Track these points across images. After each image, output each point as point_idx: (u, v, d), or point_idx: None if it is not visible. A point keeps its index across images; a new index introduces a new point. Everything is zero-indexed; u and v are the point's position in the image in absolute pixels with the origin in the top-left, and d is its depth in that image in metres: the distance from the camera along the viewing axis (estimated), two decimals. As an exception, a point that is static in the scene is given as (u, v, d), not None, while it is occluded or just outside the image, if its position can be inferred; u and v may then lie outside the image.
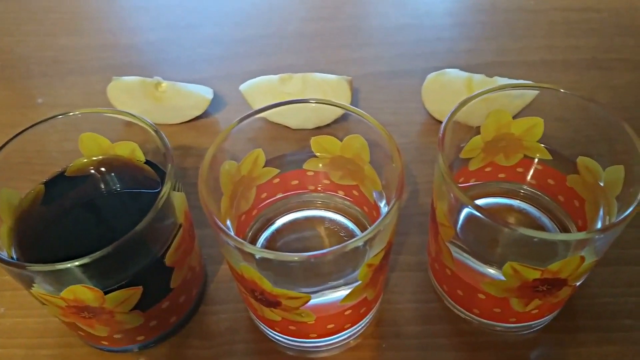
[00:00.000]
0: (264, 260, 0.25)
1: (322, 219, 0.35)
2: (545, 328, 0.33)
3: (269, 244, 0.34)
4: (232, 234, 0.25)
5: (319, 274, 0.26)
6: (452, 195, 0.27)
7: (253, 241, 0.34)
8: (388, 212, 0.25)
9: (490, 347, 0.32)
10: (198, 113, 0.43)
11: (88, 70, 0.49)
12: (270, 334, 0.32)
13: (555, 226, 0.34)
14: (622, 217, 0.25)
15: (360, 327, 0.32)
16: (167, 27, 0.53)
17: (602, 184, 0.30)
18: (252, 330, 0.33)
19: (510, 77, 0.43)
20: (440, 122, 0.31)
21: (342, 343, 0.32)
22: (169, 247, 0.28)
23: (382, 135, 0.28)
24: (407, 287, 0.35)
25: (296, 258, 0.24)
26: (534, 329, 0.33)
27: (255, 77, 0.43)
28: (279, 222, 0.35)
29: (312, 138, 0.32)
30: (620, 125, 0.28)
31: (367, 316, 0.32)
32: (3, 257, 0.26)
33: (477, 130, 0.32)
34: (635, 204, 0.25)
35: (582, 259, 0.26)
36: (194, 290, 0.33)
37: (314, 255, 0.23)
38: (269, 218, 0.35)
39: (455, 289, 0.32)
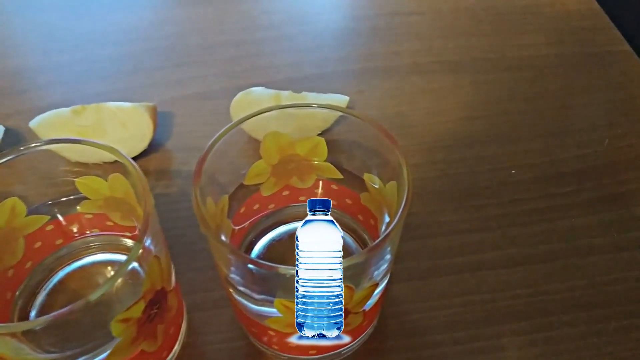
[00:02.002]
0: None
1: (113, 263, 0.32)
2: (354, 354, 0.31)
3: (50, 299, 0.31)
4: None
5: (60, 340, 0.23)
6: (206, 234, 0.24)
7: (32, 295, 0.31)
8: (118, 270, 0.22)
9: (299, 381, 0.30)
10: (-12, 155, 0.39)
11: None
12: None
13: (358, 246, 0.33)
14: (369, 247, 0.23)
15: (151, 382, 0.29)
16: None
17: (385, 202, 0.29)
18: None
19: (329, 90, 0.41)
20: (252, 139, 0.29)
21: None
22: None
23: (135, 176, 0.26)
24: (212, 327, 0.32)
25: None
26: (344, 355, 0.31)
27: (60, 108, 0.39)
28: (62, 272, 0.32)
29: (76, 180, 0.29)
30: (386, 141, 0.27)
31: (158, 369, 0.29)
32: None
33: (258, 155, 0.30)
34: (392, 226, 0.24)
35: (350, 288, 0.24)
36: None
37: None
38: (51, 268, 0.32)
39: (249, 326, 0.30)
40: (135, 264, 0.24)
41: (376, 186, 0.29)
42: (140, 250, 0.23)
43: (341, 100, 0.40)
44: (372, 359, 0.31)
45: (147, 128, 0.38)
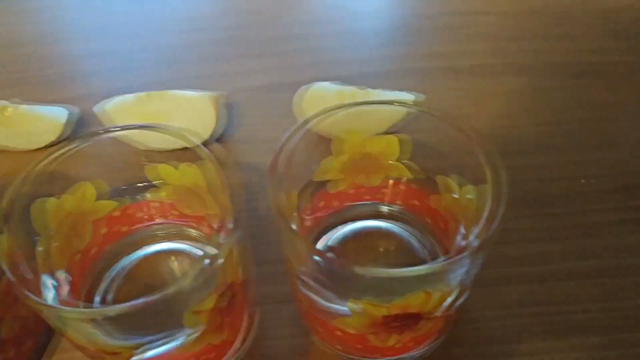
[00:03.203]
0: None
1: (176, 252, 0.32)
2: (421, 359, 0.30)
3: (114, 285, 0.31)
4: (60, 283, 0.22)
5: (131, 327, 0.23)
6: (282, 228, 0.24)
7: (97, 280, 0.31)
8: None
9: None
10: (53, 138, 0.39)
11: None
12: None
13: (424, 249, 0.32)
14: (457, 258, 0.22)
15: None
16: (28, 42, 0.49)
17: (459, 206, 0.28)
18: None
19: (391, 88, 0.41)
20: (322, 136, 0.28)
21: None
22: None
23: (209, 166, 0.25)
24: (278, 321, 0.32)
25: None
26: (409, 362, 0.30)
27: (125, 95, 0.40)
28: (126, 260, 0.31)
29: (146, 167, 0.29)
30: (470, 144, 0.26)
31: (222, 361, 0.29)
32: None
33: (328, 151, 0.29)
34: (488, 235, 0.23)
35: (428, 294, 0.23)
36: (28, 342, 0.30)
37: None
38: (116, 254, 0.31)
39: (314, 324, 0.29)
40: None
41: (454, 190, 0.28)
42: (226, 247, 0.23)
43: (407, 98, 0.39)
44: (435, 366, 0.30)
45: (210, 118, 0.38)
